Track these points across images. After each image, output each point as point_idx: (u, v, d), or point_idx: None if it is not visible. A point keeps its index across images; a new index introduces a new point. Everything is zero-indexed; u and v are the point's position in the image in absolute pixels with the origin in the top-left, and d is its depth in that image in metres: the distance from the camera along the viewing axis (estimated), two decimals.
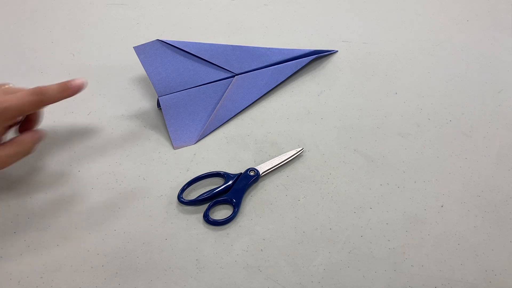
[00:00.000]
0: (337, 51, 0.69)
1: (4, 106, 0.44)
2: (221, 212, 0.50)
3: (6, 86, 0.48)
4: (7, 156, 0.46)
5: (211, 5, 0.77)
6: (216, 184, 0.52)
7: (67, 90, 0.48)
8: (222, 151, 0.56)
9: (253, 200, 0.51)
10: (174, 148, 0.56)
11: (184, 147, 0.56)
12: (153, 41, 0.61)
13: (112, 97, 0.61)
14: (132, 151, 0.56)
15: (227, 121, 0.59)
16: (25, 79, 0.64)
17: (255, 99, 0.61)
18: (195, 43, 0.63)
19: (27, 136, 0.48)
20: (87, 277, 0.45)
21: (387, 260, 0.47)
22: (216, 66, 0.62)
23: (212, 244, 0.48)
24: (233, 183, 0.51)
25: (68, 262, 0.46)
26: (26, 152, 0.48)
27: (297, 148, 0.55)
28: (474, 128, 0.59)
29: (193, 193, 0.52)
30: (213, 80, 0.61)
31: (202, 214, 0.50)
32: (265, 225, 0.49)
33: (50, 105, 0.48)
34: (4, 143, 0.46)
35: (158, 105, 0.60)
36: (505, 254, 0.47)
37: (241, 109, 0.60)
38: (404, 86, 0.64)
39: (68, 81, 0.48)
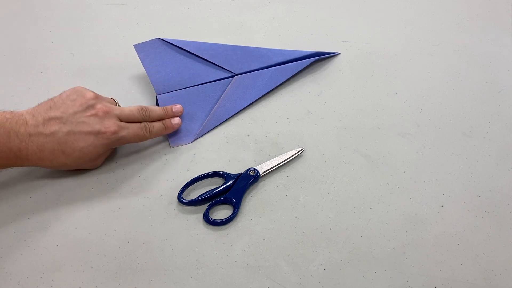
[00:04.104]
0: (339, 53, 0.69)
1: (121, 136, 0.50)
2: (221, 212, 0.50)
3: (117, 107, 0.53)
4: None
5: (211, 5, 0.77)
6: (216, 184, 0.52)
7: (167, 129, 0.55)
8: (222, 151, 0.56)
9: (253, 200, 0.51)
10: (171, 146, 0.56)
11: (181, 145, 0.56)
12: (153, 39, 0.61)
13: (112, 97, 0.60)
14: (132, 151, 0.56)
15: (227, 121, 0.59)
16: (25, 79, 0.64)
17: (254, 100, 0.61)
18: (196, 42, 0.63)
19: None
20: (87, 277, 0.45)
21: (387, 260, 0.47)
22: (216, 66, 0.62)
23: (212, 244, 0.48)
24: (233, 183, 0.51)
25: (68, 262, 0.46)
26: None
27: (297, 148, 0.55)
28: (474, 128, 0.59)
29: (193, 193, 0.52)
30: (212, 80, 0.61)
31: (202, 214, 0.50)
32: (265, 225, 0.49)
33: None
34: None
35: (157, 103, 0.60)
36: (505, 254, 0.47)
37: (240, 109, 0.60)
38: (404, 86, 0.64)
39: (169, 121, 0.55)
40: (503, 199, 0.52)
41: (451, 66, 0.68)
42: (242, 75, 0.62)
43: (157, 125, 0.54)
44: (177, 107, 0.56)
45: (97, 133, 0.49)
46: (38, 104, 0.49)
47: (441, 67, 0.67)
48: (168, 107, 0.56)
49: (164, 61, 0.61)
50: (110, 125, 0.50)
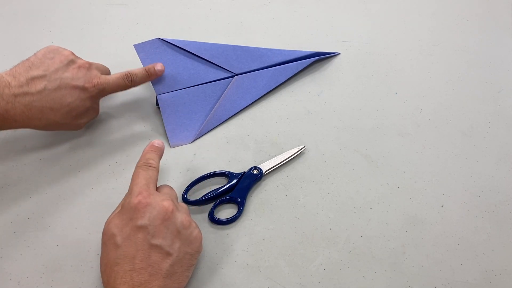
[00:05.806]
0: (339, 53, 0.69)
1: (103, 87, 0.52)
2: (226, 212, 0.50)
3: (95, 63, 0.55)
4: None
5: (211, 5, 0.77)
6: (218, 184, 0.52)
7: (151, 76, 0.57)
8: (222, 151, 0.56)
9: (253, 200, 0.51)
10: (171, 146, 0.56)
11: (180, 145, 0.56)
12: (153, 39, 0.61)
13: (111, 97, 0.60)
14: (132, 151, 0.56)
15: (227, 121, 0.59)
16: None
17: (254, 100, 0.61)
18: (196, 42, 0.63)
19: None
20: (87, 277, 0.45)
21: (387, 260, 0.47)
22: (216, 66, 0.62)
23: (212, 244, 0.48)
24: (237, 182, 0.51)
25: (68, 262, 0.46)
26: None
27: (299, 146, 0.55)
28: (474, 128, 0.59)
29: (195, 194, 0.52)
30: (212, 80, 0.61)
31: (205, 214, 0.50)
32: (265, 225, 0.49)
33: None
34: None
35: (157, 103, 0.60)
36: (505, 254, 0.47)
37: (240, 109, 0.60)
38: (404, 86, 0.64)
39: (151, 67, 0.56)
40: (503, 199, 0.52)
41: (451, 66, 0.68)
42: (242, 75, 0.62)
43: (140, 73, 0.55)
44: (159, 66, 0.57)
45: (82, 86, 0.50)
46: (14, 66, 0.50)
47: (441, 67, 0.67)
48: (151, 66, 0.57)
49: (164, 61, 0.61)
50: (93, 77, 0.51)
